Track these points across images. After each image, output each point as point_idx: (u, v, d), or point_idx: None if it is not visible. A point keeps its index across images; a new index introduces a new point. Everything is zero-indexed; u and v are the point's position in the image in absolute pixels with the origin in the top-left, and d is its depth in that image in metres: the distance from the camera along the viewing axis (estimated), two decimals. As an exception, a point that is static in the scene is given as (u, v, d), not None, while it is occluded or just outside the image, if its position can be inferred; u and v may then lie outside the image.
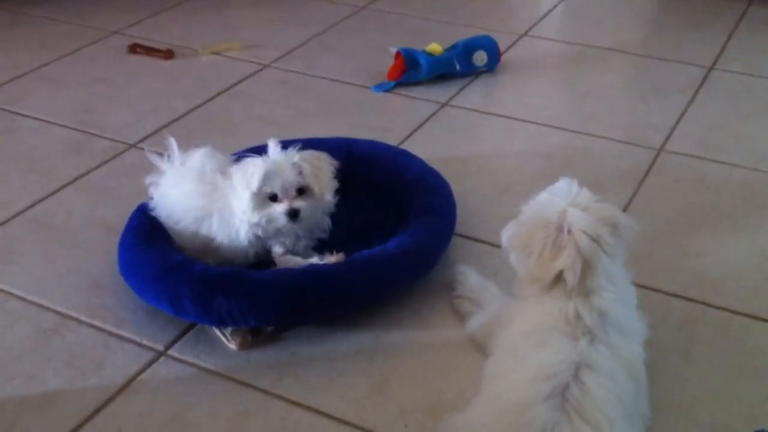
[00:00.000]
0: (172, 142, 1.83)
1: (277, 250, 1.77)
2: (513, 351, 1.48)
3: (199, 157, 1.79)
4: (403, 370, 1.62)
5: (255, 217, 1.72)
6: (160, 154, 1.85)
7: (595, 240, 1.47)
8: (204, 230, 1.77)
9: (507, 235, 1.57)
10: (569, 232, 1.46)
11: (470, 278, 1.75)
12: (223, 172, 1.77)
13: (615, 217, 1.51)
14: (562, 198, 1.52)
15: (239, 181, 1.71)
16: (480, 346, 1.62)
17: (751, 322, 1.72)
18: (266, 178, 1.69)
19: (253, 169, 1.69)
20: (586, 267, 1.46)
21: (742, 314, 1.74)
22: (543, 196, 1.56)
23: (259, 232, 1.75)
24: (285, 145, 1.77)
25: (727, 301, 1.77)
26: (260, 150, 1.80)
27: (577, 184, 1.54)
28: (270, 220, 1.72)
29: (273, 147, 1.74)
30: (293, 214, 1.71)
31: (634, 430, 1.39)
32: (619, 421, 1.35)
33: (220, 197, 1.75)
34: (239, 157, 1.87)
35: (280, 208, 1.71)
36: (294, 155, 1.73)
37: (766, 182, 2.17)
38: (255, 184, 1.68)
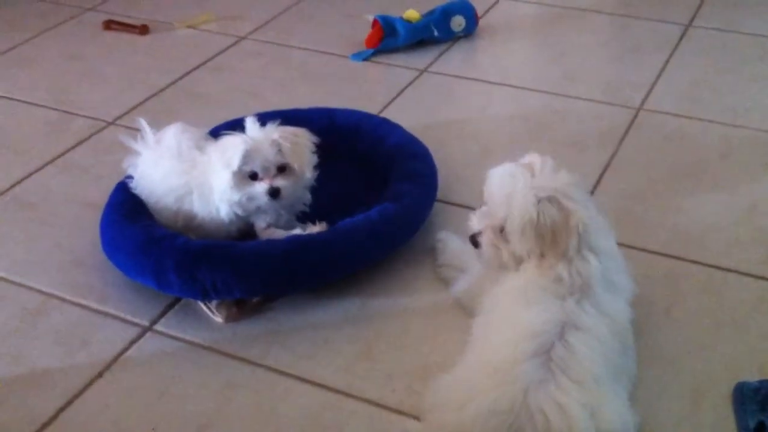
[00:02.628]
0: (143, 123, 1.82)
1: (260, 224, 1.77)
2: (500, 311, 1.49)
3: (172, 134, 1.78)
4: (389, 336, 1.63)
5: (236, 196, 1.71)
6: (134, 135, 1.83)
7: (575, 185, 1.49)
8: (185, 207, 1.76)
9: (492, 247, 1.55)
10: (564, 196, 1.46)
11: (451, 245, 1.76)
12: (200, 148, 1.77)
13: (552, 162, 1.52)
14: (513, 183, 1.50)
15: (219, 161, 1.69)
16: (466, 310, 1.63)
17: (732, 276, 1.74)
18: (246, 157, 1.67)
19: (232, 149, 1.68)
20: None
21: (722, 269, 1.76)
22: (498, 196, 1.53)
23: (240, 211, 1.74)
24: (264, 118, 1.76)
25: (708, 256, 1.79)
26: (237, 124, 1.79)
27: (504, 166, 1.53)
28: (251, 199, 1.72)
29: (251, 124, 1.72)
30: (274, 193, 1.70)
31: (620, 386, 1.41)
32: (604, 378, 1.37)
33: (199, 174, 1.74)
34: (215, 132, 1.87)
35: (260, 188, 1.70)
36: (273, 132, 1.71)
37: (744, 138, 2.18)
38: (235, 163, 1.67)
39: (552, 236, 1.46)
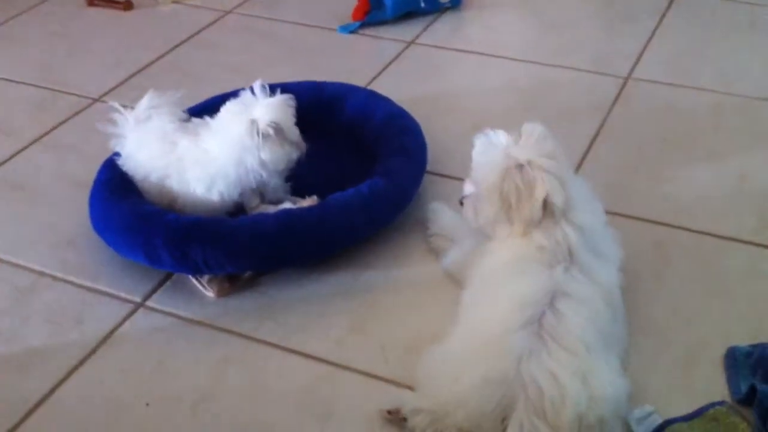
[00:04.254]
0: (117, 106, 1.81)
1: (251, 203, 1.77)
2: (489, 282, 1.49)
3: (145, 102, 1.78)
4: (381, 308, 1.63)
5: (282, 165, 1.73)
6: (119, 112, 1.81)
7: (553, 157, 1.48)
8: (167, 188, 1.75)
9: (471, 209, 1.58)
10: (530, 164, 1.47)
11: (443, 215, 1.76)
12: (178, 118, 1.77)
13: (541, 132, 1.52)
14: (494, 149, 1.52)
15: (276, 139, 1.68)
16: (456, 281, 1.63)
17: (723, 243, 1.74)
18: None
19: (287, 122, 1.69)
20: (562, 184, 1.47)
21: (713, 236, 1.76)
22: (480, 160, 1.55)
23: (254, 183, 1.74)
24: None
25: (699, 223, 1.79)
26: (225, 99, 1.77)
27: (493, 132, 1.54)
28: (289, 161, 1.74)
29: (261, 91, 1.72)
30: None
31: (611, 353, 1.42)
32: (595, 346, 1.38)
33: (179, 158, 1.73)
34: (204, 107, 1.86)
35: (297, 152, 1.74)
36: (267, 94, 1.72)
37: (734, 105, 2.18)
38: (294, 137, 1.70)
39: (517, 204, 1.47)
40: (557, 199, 1.45)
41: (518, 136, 1.52)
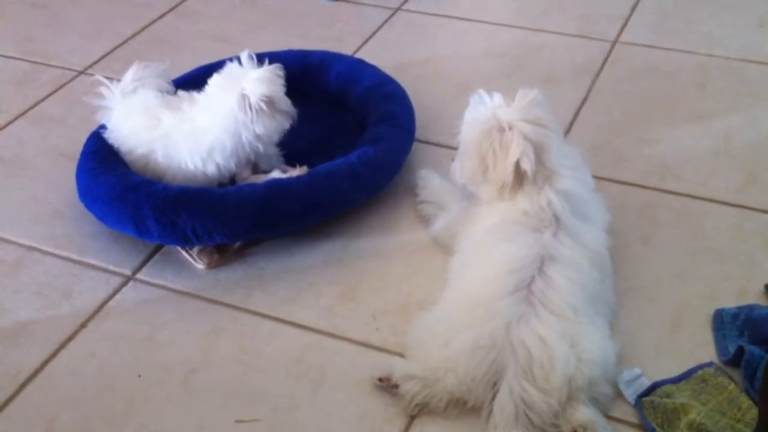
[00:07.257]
0: (102, 79, 1.80)
1: (242, 174, 1.76)
2: (478, 248, 1.50)
3: (130, 75, 1.77)
4: (371, 276, 1.63)
5: (275, 137, 1.73)
6: (105, 85, 1.80)
7: (537, 123, 1.48)
8: (152, 164, 1.74)
9: (457, 166, 1.59)
10: (510, 128, 1.47)
11: (432, 182, 1.76)
12: (164, 90, 1.75)
13: (535, 97, 1.52)
14: (485, 109, 1.52)
15: (268, 112, 1.67)
16: (445, 248, 1.64)
17: (708, 205, 1.75)
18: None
19: (278, 94, 1.68)
20: (540, 150, 1.47)
21: (699, 198, 1.77)
22: (469, 118, 1.56)
23: (252, 157, 1.74)
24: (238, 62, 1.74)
25: (685, 186, 1.80)
26: (211, 69, 1.76)
27: (487, 94, 1.54)
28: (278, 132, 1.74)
29: (249, 61, 1.71)
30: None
31: (599, 315, 1.43)
32: (583, 309, 1.39)
33: (164, 134, 1.71)
34: (190, 77, 1.84)
35: (288, 121, 1.73)
36: (256, 65, 1.70)
37: (719, 67, 2.18)
38: (286, 107, 1.70)
39: (493, 165, 1.48)
40: (526, 165, 1.46)
41: (511, 99, 1.52)
